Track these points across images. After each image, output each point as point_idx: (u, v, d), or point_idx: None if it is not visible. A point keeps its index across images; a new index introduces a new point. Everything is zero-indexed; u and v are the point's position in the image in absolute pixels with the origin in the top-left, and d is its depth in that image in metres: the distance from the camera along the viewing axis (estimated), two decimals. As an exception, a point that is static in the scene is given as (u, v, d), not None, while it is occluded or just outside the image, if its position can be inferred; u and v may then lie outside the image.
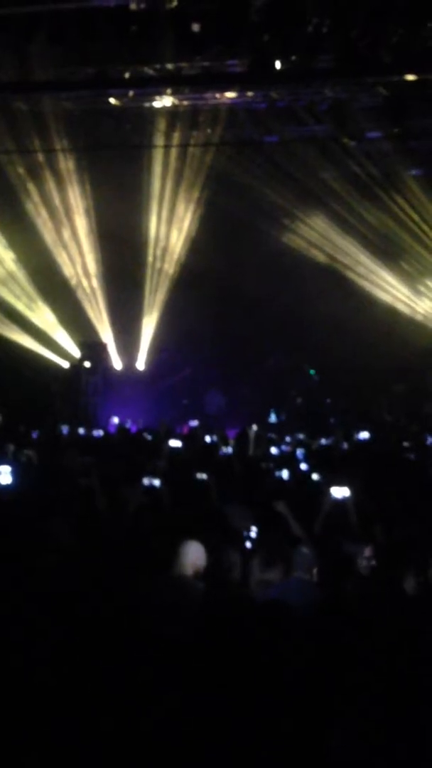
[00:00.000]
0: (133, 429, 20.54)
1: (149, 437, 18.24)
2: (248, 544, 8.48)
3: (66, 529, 9.37)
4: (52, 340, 26.19)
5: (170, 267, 25.71)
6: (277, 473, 13.60)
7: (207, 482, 11.80)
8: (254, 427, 18.94)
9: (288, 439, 18.93)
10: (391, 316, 24.55)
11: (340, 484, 10.50)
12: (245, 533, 8.83)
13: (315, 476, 13.17)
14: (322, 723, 5.45)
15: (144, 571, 8.58)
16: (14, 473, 12.76)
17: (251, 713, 5.47)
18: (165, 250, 25.71)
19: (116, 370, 26.24)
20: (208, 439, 17.07)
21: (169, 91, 20.65)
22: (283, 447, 16.89)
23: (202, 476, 11.99)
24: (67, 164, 24.42)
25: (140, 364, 26.47)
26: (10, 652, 6.36)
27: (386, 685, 5.74)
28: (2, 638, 6.50)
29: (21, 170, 24.15)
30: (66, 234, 25.39)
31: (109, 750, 5.52)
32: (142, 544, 9.33)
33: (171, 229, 25.49)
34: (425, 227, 23.68)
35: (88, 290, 25.95)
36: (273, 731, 5.41)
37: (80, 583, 7.94)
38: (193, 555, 8.41)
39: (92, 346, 25.75)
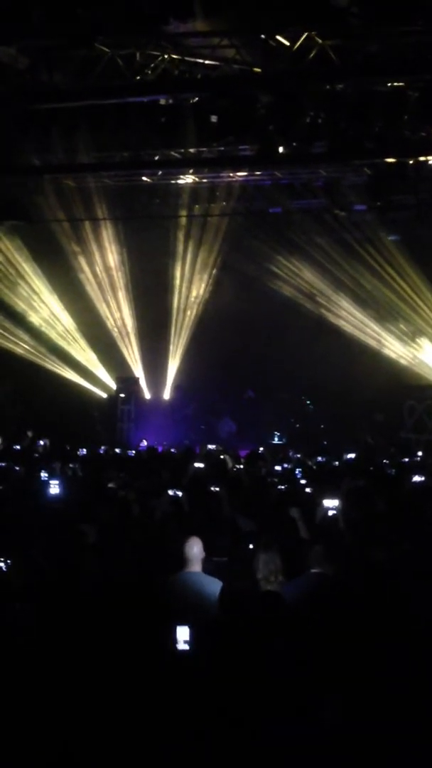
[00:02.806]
0: (160, 449, 20.51)
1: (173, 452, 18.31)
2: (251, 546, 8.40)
3: (93, 531, 9.34)
4: (93, 375, 26.19)
5: (191, 315, 25.70)
6: (279, 486, 13.58)
7: (219, 494, 11.79)
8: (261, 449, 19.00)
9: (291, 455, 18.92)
10: (373, 357, 24.50)
11: (331, 496, 10.52)
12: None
13: (308, 489, 13.16)
14: (318, 695, 5.38)
15: (168, 567, 8.58)
16: (61, 486, 12.79)
17: (259, 690, 5.39)
18: (187, 301, 25.71)
19: (146, 400, 26.19)
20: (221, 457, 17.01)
21: (191, 170, 20.78)
22: (284, 465, 16.83)
23: (216, 489, 11.99)
24: (107, 231, 24.52)
25: (166, 395, 26.43)
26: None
27: (377, 661, 5.66)
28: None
29: (69, 236, 24.23)
30: (106, 288, 25.41)
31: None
32: (167, 545, 9.33)
33: (192, 285, 25.51)
34: (402, 283, 23.67)
35: (123, 334, 25.96)
36: (276, 705, 5.33)
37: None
38: (197, 550, 8.39)
39: (126, 380, 25.74)
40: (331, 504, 10.33)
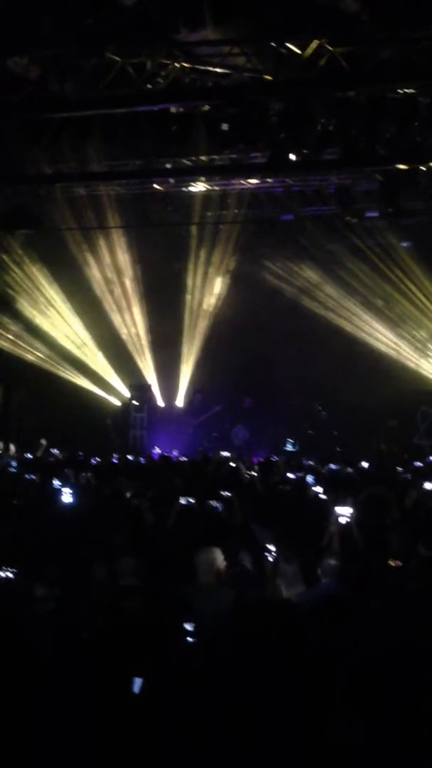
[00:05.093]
0: (173, 457, 20.48)
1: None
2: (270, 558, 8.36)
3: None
4: (107, 383, 26.21)
5: (204, 322, 25.69)
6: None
7: (231, 500, 11.76)
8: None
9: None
10: (386, 363, 24.45)
11: (344, 504, 10.47)
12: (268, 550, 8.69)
13: (323, 497, 13.10)
14: (326, 705, 5.34)
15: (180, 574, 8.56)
16: (75, 494, 12.78)
17: (269, 700, 5.36)
18: (200, 308, 25.71)
19: (159, 408, 26.18)
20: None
21: (203, 178, 20.79)
22: (297, 472, 16.76)
23: (226, 494, 11.96)
24: (119, 239, 24.55)
25: (179, 403, 26.42)
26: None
27: (384, 673, 5.62)
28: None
29: (81, 244, 24.28)
30: (118, 296, 25.44)
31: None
32: (179, 551, 9.31)
33: (204, 292, 25.51)
34: (414, 289, 23.63)
35: (136, 342, 25.97)
36: (284, 715, 5.29)
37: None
38: (211, 560, 8.35)
39: (139, 388, 25.74)
40: (343, 512, 10.28)
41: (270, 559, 8.27)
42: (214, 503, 11.28)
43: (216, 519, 11.21)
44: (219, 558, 8.37)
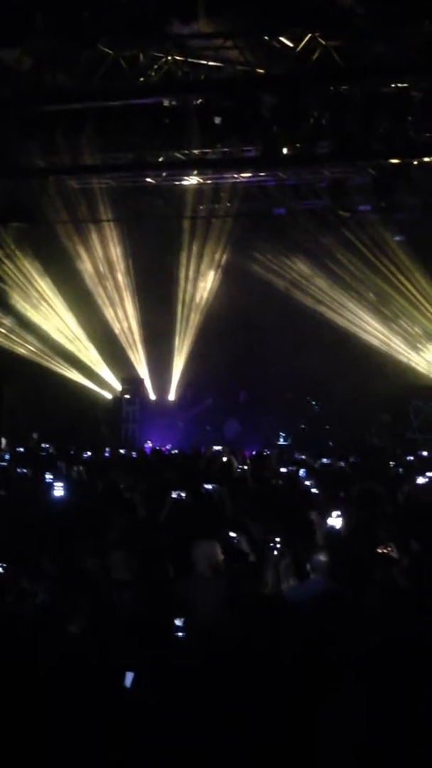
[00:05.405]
0: (165, 451, 20.49)
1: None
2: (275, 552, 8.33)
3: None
4: (98, 376, 26.21)
5: (196, 316, 25.68)
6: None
7: (221, 493, 11.78)
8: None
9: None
10: (379, 358, 24.50)
11: (335, 509, 10.50)
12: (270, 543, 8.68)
13: (314, 491, 13.13)
14: (315, 702, 5.34)
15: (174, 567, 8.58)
16: (67, 488, 12.78)
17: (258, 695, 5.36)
18: (192, 301, 25.70)
19: (151, 401, 26.17)
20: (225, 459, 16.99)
21: (195, 172, 20.75)
22: (289, 466, 16.78)
23: (214, 486, 11.98)
24: (111, 232, 24.53)
25: (171, 396, 26.42)
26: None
27: (375, 670, 5.62)
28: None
29: (74, 237, 24.26)
30: (110, 289, 25.42)
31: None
32: (172, 545, 9.33)
33: (197, 285, 25.51)
34: (406, 283, 23.67)
35: (128, 335, 25.96)
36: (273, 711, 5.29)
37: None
38: (210, 553, 8.39)
39: (131, 381, 25.72)
40: (335, 523, 10.34)
41: (275, 552, 8.23)
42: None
43: (209, 510, 11.25)
44: (217, 551, 8.42)
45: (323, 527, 9.73)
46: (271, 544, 8.38)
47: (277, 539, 8.45)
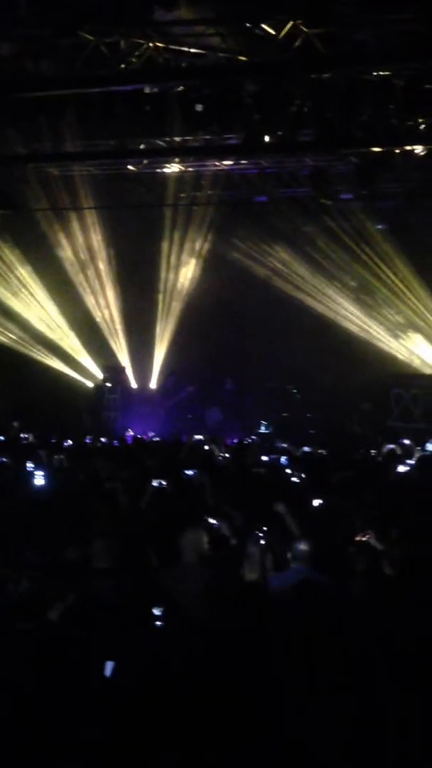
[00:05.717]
0: (147, 439, 20.49)
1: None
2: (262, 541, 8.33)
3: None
4: (80, 364, 26.16)
5: (178, 304, 25.67)
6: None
7: (202, 480, 11.81)
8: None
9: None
10: (360, 347, 24.57)
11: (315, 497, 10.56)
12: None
13: (295, 479, 13.18)
14: (299, 690, 5.36)
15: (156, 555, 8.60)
16: (48, 476, 12.78)
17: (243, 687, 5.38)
18: (173, 290, 25.69)
19: (132, 389, 26.16)
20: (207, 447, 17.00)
21: (177, 159, 20.75)
22: (271, 455, 16.81)
23: (194, 472, 12.02)
24: (92, 220, 24.47)
25: (152, 384, 26.41)
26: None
27: (356, 662, 5.63)
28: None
29: (54, 224, 24.19)
30: (92, 277, 25.37)
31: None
32: (153, 533, 9.36)
33: (178, 273, 25.50)
34: (388, 272, 23.73)
35: (109, 322, 25.92)
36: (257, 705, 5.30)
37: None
38: (196, 540, 8.42)
39: (112, 369, 25.68)
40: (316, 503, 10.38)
41: (260, 541, 8.24)
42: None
43: (190, 498, 11.27)
44: (204, 539, 8.45)
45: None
46: (257, 532, 8.41)
47: (263, 528, 8.49)
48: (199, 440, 17.50)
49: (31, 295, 25.29)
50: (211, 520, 9.37)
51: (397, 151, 18.39)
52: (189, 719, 5.23)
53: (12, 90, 16.13)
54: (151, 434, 22.03)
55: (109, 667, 5.67)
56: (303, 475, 13.31)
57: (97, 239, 24.91)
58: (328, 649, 5.66)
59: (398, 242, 23.31)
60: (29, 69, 15.89)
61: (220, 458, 15.81)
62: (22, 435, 19.28)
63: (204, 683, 5.40)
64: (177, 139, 17.94)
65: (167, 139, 18.13)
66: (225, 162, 20.85)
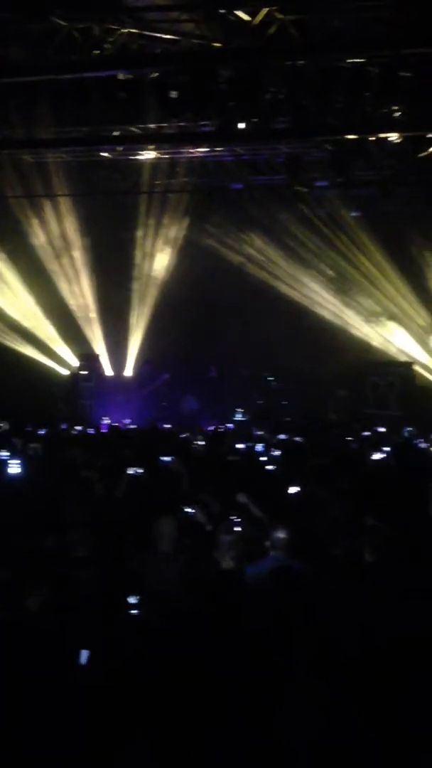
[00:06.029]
0: (122, 427, 20.47)
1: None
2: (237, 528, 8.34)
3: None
4: (54, 352, 26.09)
5: (153, 292, 25.65)
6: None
7: (178, 467, 11.83)
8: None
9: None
10: (335, 334, 24.65)
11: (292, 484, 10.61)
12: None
13: (270, 467, 13.22)
14: (273, 680, 5.38)
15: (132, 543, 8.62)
16: (22, 465, 12.75)
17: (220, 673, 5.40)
18: (148, 277, 25.66)
19: (108, 377, 26.11)
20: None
21: (151, 146, 20.70)
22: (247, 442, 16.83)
23: (171, 458, 12.04)
24: (66, 207, 24.37)
25: (128, 372, 26.39)
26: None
27: (332, 648, 5.66)
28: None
29: (28, 212, 24.08)
30: (66, 264, 25.29)
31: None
32: (129, 522, 9.37)
33: (153, 261, 25.48)
34: (363, 259, 23.82)
35: (84, 311, 25.85)
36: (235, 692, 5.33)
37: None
38: (171, 529, 8.45)
39: (88, 357, 25.61)
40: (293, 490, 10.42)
41: (235, 528, 8.25)
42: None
43: (166, 486, 11.29)
44: (173, 527, 8.47)
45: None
46: (232, 518, 8.43)
47: (236, 516, 8.51)
48: (175, 428, 17.52)
49: (5, 283, 25.18)
50: (187, 508, 9.39)
51: (372, 138, 18.41)
52: (163, 707, 5.25)
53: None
54: (126, 422, 22.00)
55: (84, 655, 5.68)
56: (279, 463, 13.35)
57: (71, 227, 24.81)
58: (303, 636, 5.69)
59: (373, 230, 23.39)
60: (0, 54, 15.79)
61: (195, 446, 15.82)
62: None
63: (179, 671, 5.42)
64: (151, 126, 17.88)
65: (141, 126, 18.06)
66: (200, 149, 20.81)
